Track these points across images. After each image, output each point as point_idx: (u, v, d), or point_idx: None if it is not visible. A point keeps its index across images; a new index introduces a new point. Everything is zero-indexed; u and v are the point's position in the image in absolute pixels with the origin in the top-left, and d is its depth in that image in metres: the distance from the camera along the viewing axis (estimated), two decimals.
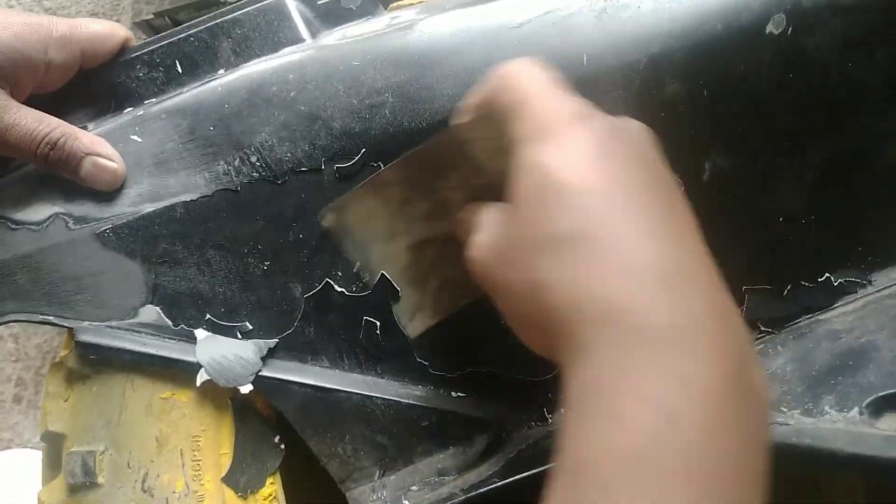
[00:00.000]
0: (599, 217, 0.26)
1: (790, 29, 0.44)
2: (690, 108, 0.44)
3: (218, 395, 0.46)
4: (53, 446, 0.47)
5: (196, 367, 0.44)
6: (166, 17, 0.84)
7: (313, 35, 0.47)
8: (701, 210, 0.45)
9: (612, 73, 0.44)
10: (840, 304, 0.45)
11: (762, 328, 0.46)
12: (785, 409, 0.37)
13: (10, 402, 1.09)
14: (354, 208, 0.40)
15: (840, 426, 0.33)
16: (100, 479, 0.45)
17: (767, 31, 0.44)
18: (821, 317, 0.45)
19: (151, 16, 0.90)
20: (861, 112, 0.44)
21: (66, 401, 0.47)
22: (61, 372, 0.47)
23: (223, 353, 0.44)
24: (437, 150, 0.38)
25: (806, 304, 0.46)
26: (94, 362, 0.45)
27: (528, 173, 0.29)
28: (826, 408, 0.35)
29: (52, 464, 0.48)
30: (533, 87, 0.32)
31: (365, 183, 0.40)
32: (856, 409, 0.34)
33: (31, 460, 1.03)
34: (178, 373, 0.45)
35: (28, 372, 1.09)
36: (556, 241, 0.26)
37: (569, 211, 0.27)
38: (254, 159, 0.44)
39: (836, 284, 0.45)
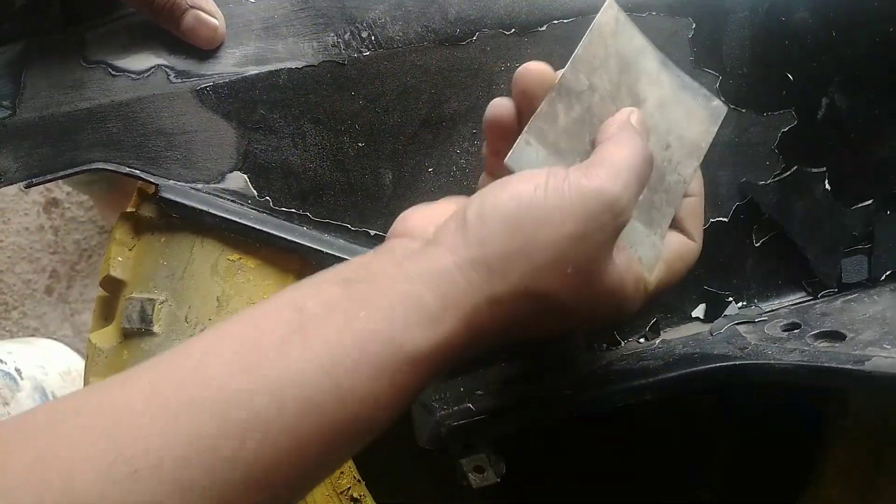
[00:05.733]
0: None
1: None
2: (816, 40, 0.43)
3: (283, 266, 0.45)
4: (111, 293, 0.46)
5: (270, 237, 0.44)
6: None
7: None
8: (812, 147, 0.45)
9: None
10: None
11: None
12: (888, 346, 0.36)
13: (42, 293, 1.10)
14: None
15: None
16: (155, 328, 0.44)
17: None
18: None
19: None
20: None
21: (130, 249, 0.46)
22: (130, 221, 0.46)
23: None
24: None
25: None
26: (168, 214, 0.44)
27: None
28: None
29: (105, 313, 0.47)
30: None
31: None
32: None
33: (53, 350, 1.03)
34: (235, 231, 0.44)
35: (63, 266, 1.09)
36: None
37: None
38: (364, 35, 0.43)
39: None
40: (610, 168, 0.32)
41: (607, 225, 0.31)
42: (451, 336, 0.30)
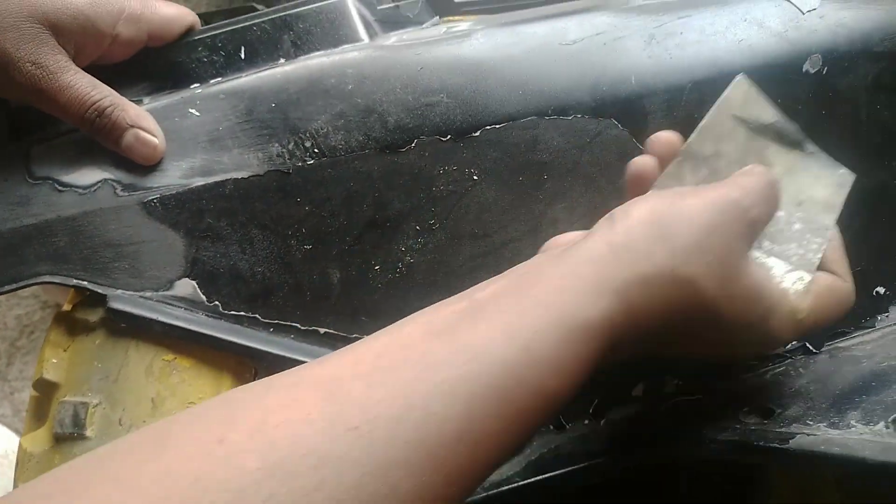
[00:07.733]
0: None
1: (825, 69, 0.46)
2: None
3: (218, 365, 0.46)
4: (44, 396, 0.46)
5: (220, 342, 0.45)
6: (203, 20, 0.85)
7: (371, 37, 0.48)
8: None
9: (658, 94, 0.46)
10: (858, 334, 0.47)
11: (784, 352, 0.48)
12: (811, 423, 0.38)
13: None
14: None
15: (867, 437, 0.35)
16: (88, 432, 0.44)
17: (804, 70, 0.46)
18: (840, 344, 0.48)
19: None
20: (887, 153, 0.47)
21: (65, 350, 0.46)
22: (65, 322, 0.46)
23: None
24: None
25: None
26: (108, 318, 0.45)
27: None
28: (852, 422, 0.37)
29: (39, 414, 0.46)
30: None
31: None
32: (882, 423, 0.36)
33: None
34: (184, 338, 0.45)
35: (4, 342, 1.07)
36: None
37: None
38: (308, 144, 0.45)
39: None
40: (733, 181, 0.38)
41: (736, 219, 0.36)
42: (613, 312, 0.33)
